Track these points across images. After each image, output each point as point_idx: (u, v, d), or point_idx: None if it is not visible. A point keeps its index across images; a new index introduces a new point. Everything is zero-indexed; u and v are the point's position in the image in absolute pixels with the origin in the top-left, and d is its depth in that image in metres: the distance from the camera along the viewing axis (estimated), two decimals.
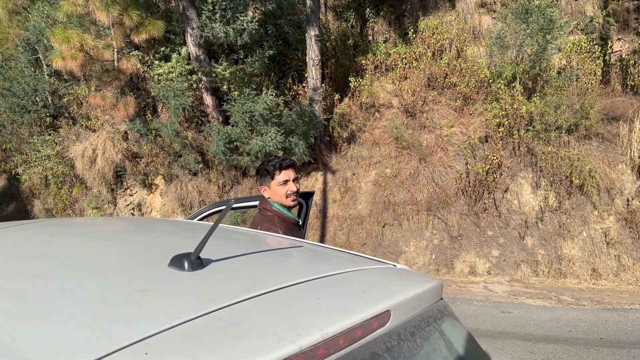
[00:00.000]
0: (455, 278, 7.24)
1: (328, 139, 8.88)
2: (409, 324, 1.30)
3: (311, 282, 1.31)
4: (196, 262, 1.27)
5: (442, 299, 1.56)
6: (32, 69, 10.40)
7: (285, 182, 2.54)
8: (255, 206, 2.91)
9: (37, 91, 10.13)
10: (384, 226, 8.03)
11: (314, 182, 8.87)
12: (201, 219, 2.92)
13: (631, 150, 7.76)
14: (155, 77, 8.60)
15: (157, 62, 8.63)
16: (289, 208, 2.62)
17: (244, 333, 0.96)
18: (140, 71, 8.82)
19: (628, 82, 8.59)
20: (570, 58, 8.73)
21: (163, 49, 8.76)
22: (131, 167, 9.22)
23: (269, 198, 2.58)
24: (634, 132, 7.78)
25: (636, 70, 8.56)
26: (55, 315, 1.00)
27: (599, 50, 8.80)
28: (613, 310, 5.93)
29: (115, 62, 8.48)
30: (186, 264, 1.26)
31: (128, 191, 9.40)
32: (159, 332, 0.91)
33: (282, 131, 7.81)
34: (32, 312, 1.02)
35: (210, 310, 1.04)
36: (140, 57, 8.73)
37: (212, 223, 1.35)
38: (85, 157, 9.37)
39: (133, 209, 9.20)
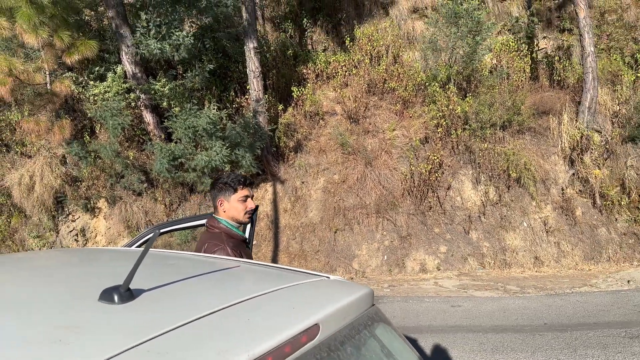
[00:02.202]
0: (407, 277, 7.40)
1: (275, 149, 8.90)
2: (339, 334, 1.34)
3: (242, 304, 1.33)
4: (126, 294, 1.26)
5: (373, 305, 1.62)
6: None
7: (245, 198, 2.58)
8: (189, 227, 2.90)
9: None
10: (335, 232, 8.11)
11: (263, 193, 8.86)
12: (138, 246, 2.87)
13: (562, 141, 8.21)
14: (91, 97, 8.36)
15: (92, 82, 8.39)
16: (240, 225, 2.66)
17: None
18: (75, 93, 8.54)
19: (555, 78, 9.09)
20: (500, 57, 9.16)
21: (97, 68, 8.53)
22: (71, 191, 8.89)
23: (224, 212, 2.60)
24: (563, 125, 8.24)
25: (561, 66, 9.08)
26: None
27: (526, 48, 9.29)
28: (555, 295, 6.23)
29: (48, 84, 8.17)
30: (116, 297, 1.25)
31: (70, 217, 9.04)
32: None
33: (227, 145, 7.76)
34: None
35: (137, 342, 1.03)
36: (74, 79, 8.46)
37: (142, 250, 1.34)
38: (22, 185, 8.95)
39: (77, 234, 8.86)
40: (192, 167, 7.94)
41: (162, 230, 2.81)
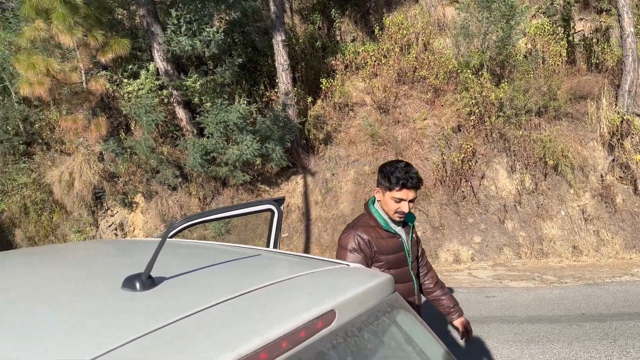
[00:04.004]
0: (440, 267, 7.32)
1: (304, 142, 8.92)
2: (356, 321, 1.34)
3: (260, 290, 1.35)
4: (147, 281, 1.31)
5: (394, 292, 1.61)
6: (1, 97, 10.26)
7: (400, 200, 2.39)
8: (219, 219, 2.88)
9: (7, 120, 9.98)
10: None
11: (294, 185, 8.91)
12: (172, 236, 2.94)
13: (600, 127, 7.93)
14: (125, 95, 8.55)
15: (125, 80, 8.58)
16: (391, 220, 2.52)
17: (186, 346, 1.00)
18: (109, 91, 8.75)
19: (592, 61, 8.77)
20: (535, 41, 8.90)
21: (131, 66, 8.71)
22: (109, 187, 9.15)
23: (378, 200, 2.51)
24: (602, 109, 7.95)
25: (599, 48, 8.75)
26: (8, 344, 1.03)
27: (562, 31, 8.99)
28: (594, 285, 6.06)
29: (84, 83, 8.41)
30: (138, 284, 1.29)
31: (109, 212, 9.32)
32: (102, 354, 0.95)
33: (257, 138, 7.82)
34: None
35: (156, 327, 1.07)
36: (108, 77, 8.67)
37: (160, 239, 1.38)
38: (62, 182, 9.27)
39: (115, 229, 9.14)
40: (224, 162, 8.05)
41: (190, 222, 2.79)
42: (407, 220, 2.60)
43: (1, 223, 11.87)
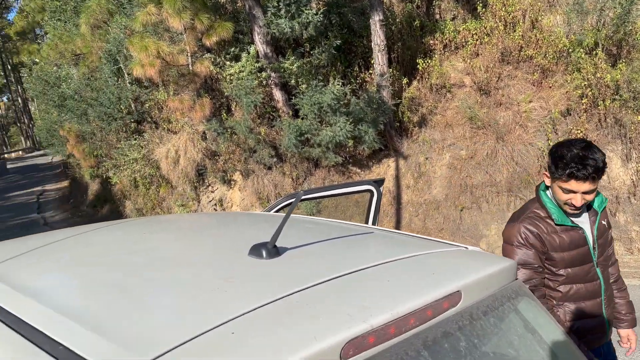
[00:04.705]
0: None
1: (398, 124, 8.79)
2: (481, 304, 1.32)
3: (381, 266, 1.36)
4: (272, 250, 1.38)
5: (517, 279, 1.56)
6: (115, 78, 11.16)
7: (570, 191, 1.97)
8: (326, 196, 2.90)
9: (121, 99, 10.87)
10: (461, 210, 7.85)
11: (385, 169, 8.84)
12: (277, 211, 3.05)
13: None
14: (227, 77, 8.92)
15: (228, 62, 8.94)
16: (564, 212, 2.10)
17: (317, 313, 1.03)
18: (213, 73, 9.18)
19: None
20: None
21: (233, 49, 9.05)
22: (211, 165, 9.67)
23: (548, 186, 2.14)
24: None
25: None
26: (151, 303, 1.13)
27: None
28: None
29: (190, 66, 8.89)
30: (264, 253, 1.37)
31: (210, 188, 9.88)
32: (242, 315, 1.01)
33: (350, 120, 7.83)
34: (131, 301, 1.15)
35: (286, 294, 1.12)
36: (212, 60, 9.08)
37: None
38: (169, 158, 9.95)
39: (215, 204, 9.67)
40: (317, 143, 8.16)
41: (304, 197, 2.82)
42: (592, 204, 2.13)
43: (113, 195, 13.02)
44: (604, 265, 2.18)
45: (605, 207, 2.15)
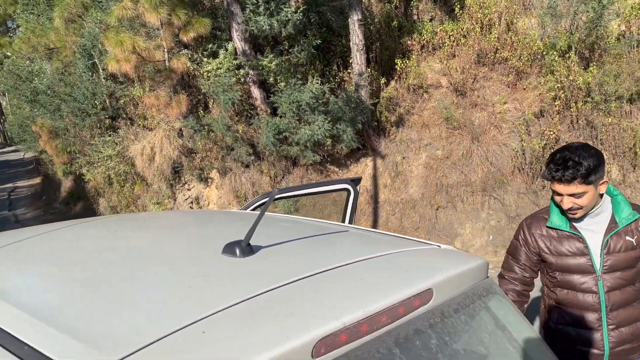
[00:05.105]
0: None
1: (376, 123, 8.84)
2: (452, 302, 1.35)
3: (354, 264, 1.37)
4: (246, 248, 1.38)
5: (488, 277, 1.58)
6: (90, 73, 10.93)
7: (558, 194, 1.98)
8: (301, 195, 2.91)
9: (95, 95, 10.64)
10: (437, 209, 7.94)
11: (363, 167, 8.88)
12: (253, 210, 3.04)
13: None
14: (205, 74, 8.83)
15: (205, 59, 8.85)
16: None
17: (289, 312, 1.04)
18: (190, 69, 9.07)
19: None
20: (630, 23, 8.21)
21: (210, 46, 8.96)
22: (187, 162, 9.56)
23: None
24: None
25: None
26: (122, 302, 1.12)
27: None
28: None
29: (166, 62, 8.77)
30: (238, 251, 1.37)
31: (186, 186, 9.77)
32: (214, 313, 1.01)
33: (329, 119, 7.85)
34: (102, 300, 1.13)
35: (259, 292, 1.12)
36: (189, 56, 8.98)
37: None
38: (144, 155, 9.80)
39: (192, 202, 9.57)
40: (295, 141, 8.16)
41: (278, 196, 2.81)
42: (615, 215, 2.02)
43: (87, 192, 12.76)
44: (613, 280, 2.02)
45: (633, 222, 2.01)
